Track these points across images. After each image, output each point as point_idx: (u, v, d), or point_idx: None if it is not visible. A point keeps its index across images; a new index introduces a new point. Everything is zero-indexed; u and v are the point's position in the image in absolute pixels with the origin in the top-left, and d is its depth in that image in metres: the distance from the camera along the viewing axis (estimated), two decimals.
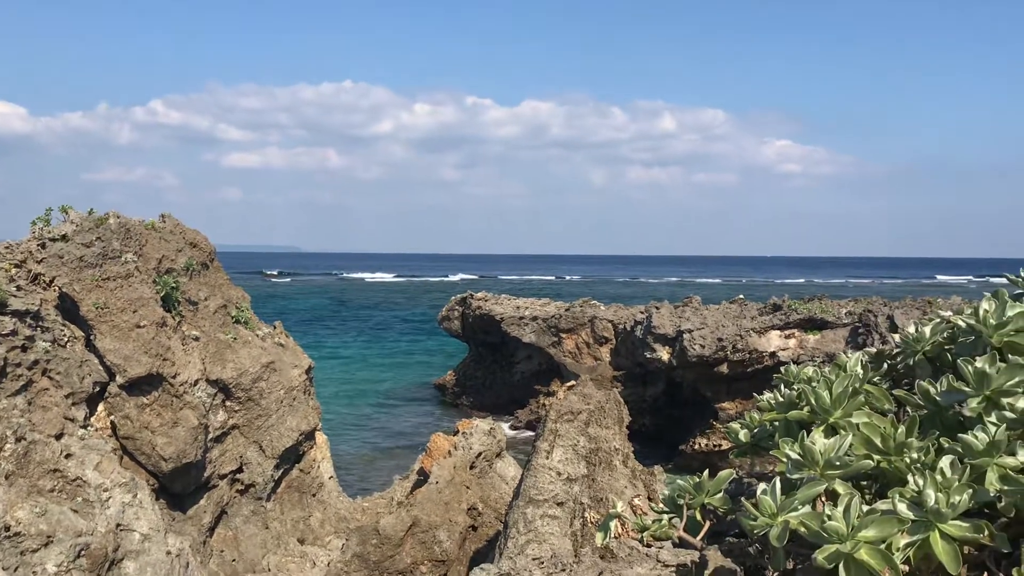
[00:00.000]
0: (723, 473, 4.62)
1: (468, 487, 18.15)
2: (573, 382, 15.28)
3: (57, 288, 14.97)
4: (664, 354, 36.04)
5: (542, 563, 4.16)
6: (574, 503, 12.60)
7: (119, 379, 14.97)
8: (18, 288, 14.12)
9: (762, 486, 3.67)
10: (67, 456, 13.15)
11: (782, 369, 5.39)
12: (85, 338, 14.92)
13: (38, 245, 15.17)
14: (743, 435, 4.97)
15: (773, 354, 33.83)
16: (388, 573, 15.86)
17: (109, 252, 15.41)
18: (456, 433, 21.09)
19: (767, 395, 5.08)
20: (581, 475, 12.88)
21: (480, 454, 19.49)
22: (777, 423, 4.71)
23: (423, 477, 19.46)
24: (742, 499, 3.77)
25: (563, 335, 41.99)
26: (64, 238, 15.27)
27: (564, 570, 4.03)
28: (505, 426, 35.29)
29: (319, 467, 18.58)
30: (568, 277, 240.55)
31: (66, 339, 14.42)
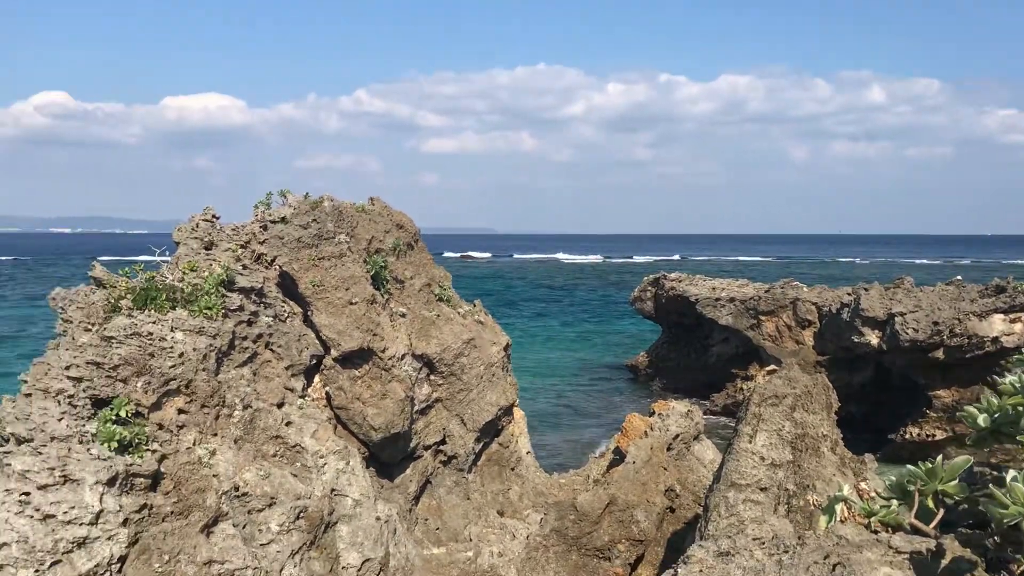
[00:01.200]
0: (959, 459, 4.28)
1: (665, 468, 17.97)
2: (773, 366, 14.77)
3: (278, 267, 16.00)
4: (873, 338, 34.17)
5: (763, 543, 4.01)
6: (778, 489, 12.18)
7: (333, 352, 15.85)
8: (244, 267, 15.21)
9: (1012, 473, 3.36)
10: (287, 424, 14.07)
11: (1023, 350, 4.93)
12: (303, 314, 15.88)
13: (260, 227, 16.25)
14: (982, 420, 4.58)
15: (996, 339, 31.28)
16: (586, 549, 15.99)
17: (324, 233, 16.30)
18: (652, 414, 20.92)
19: (1009, 378, 4.66)
20: (786, 461, 12.44)
21: (677, 436, 19.24)
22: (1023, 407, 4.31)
23: (619, 456, 19.45)
24: (990, 486, 3.47)
25: (762, 317, 40.66)
26: (284, 220, 16.28)
27: (787, 551, 3.85)
28: (699, 410, 34.73)
29: (517, 442, 18.96)
30: (767, 257, 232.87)
31: (286, 314, 15.40)
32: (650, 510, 16.68)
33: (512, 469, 18.66)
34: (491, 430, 18.40)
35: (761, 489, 12.08)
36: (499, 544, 16.58)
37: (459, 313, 18.63)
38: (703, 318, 43.70)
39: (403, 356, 16.86)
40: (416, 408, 17.12)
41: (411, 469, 17.21)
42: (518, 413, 19.35)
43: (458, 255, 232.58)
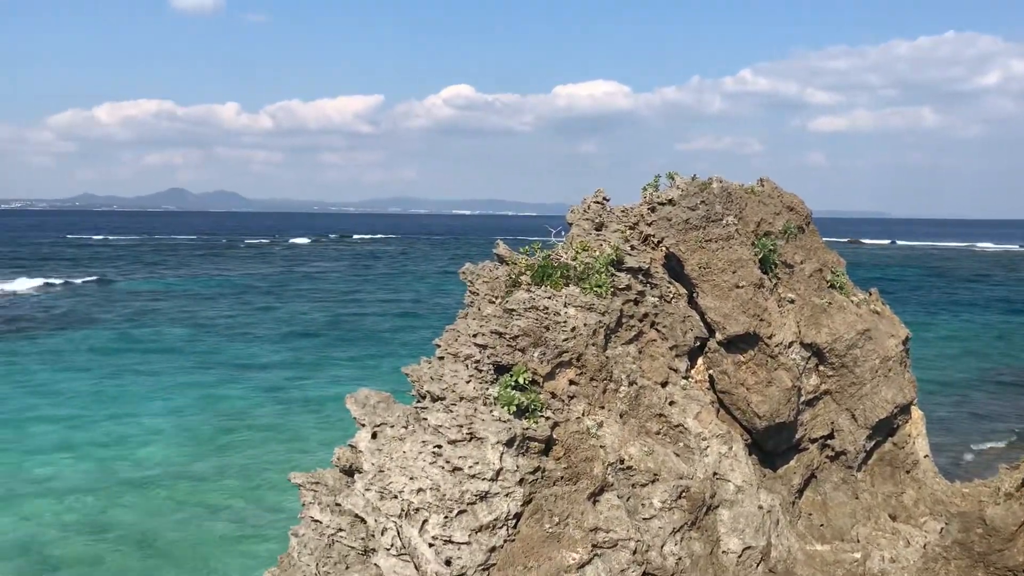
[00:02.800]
0: None
1: None
2: None
3: (664, 248, 16.16)
4: None
5: None
6: None
7: (718, 336, 15.70)
8: (632, 248, 15.56)
9: None
10: (670, 403, 14.21)
11: None
12: (688, 295, 15.91)
13: (648, 209, 16.51)
14: None
15: None
16: (995, 568, 14.34)
17: (712, 215, 16.16)
18: None
19: None
20: None
21: None
22: None
23: None
24: None
25: None
26: (671, 202, 16.38)
27: None
28: None
29: (914, 443, 17.47)
30: None
31: (671, 295, 15.53)
32: None
33: (907, 472, 17.23)
34: (885, 428, 17.12)
35: None
36: (891, 549, 15.41)
37: (852, 302, 17.52)
38: None
39: (790, 344, 16.24)
40: (803, 399, 16.42)
41: (795, 461, 16.57)
42: (916, 413, 17.80)
43: (846, 240, 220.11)
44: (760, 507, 14.06)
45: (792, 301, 16.75)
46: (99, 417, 44.39)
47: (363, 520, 11.96)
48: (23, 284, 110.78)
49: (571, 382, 13.04)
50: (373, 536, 11.72)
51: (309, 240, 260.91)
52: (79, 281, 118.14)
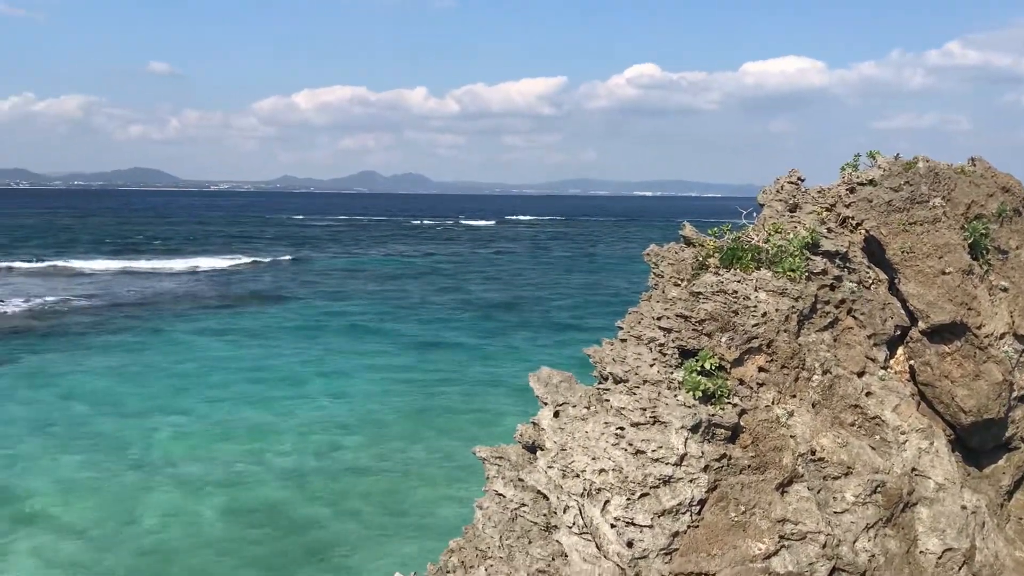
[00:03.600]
0: None
1: None
2: None
3: (863, 231, 15.34)
4: None
5: None
6: None
7: (921, 325, 14.78)
8: (828, 230, 14.86)
9: None
10: (867, 394, 13.51)
11: None
12: (888, 281, 15.05)
13: (847, 190, 15.71)
14: None
15: None
16: None
17: (916, 197, 15.20)
18: None
19: None
20: None
21: None
22: None
23: None
24: None
25: None
26: (872, 183, 15.53)
27: None
28: None
29: None
30: None
31: (870, 281, 14.74)
32: None
33: None
34: None
35: None
36: None
37: None
38: None
39: (1003, 335, 15.06)
40: (1014, 395, 15.22)
41: (1004, 460, 15.39)
42: None
43: None
44: (964, 507, 13.16)
45: (1006, 289, 15.53)
46: (312, 389, 47.31)
47: (545, 497, 12.10)
48: (228, 261, 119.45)
49: (760, 369, 12.63)
50: (555, 513, 11.84)
51: (492, 222, 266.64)
52: (286, 258, 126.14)
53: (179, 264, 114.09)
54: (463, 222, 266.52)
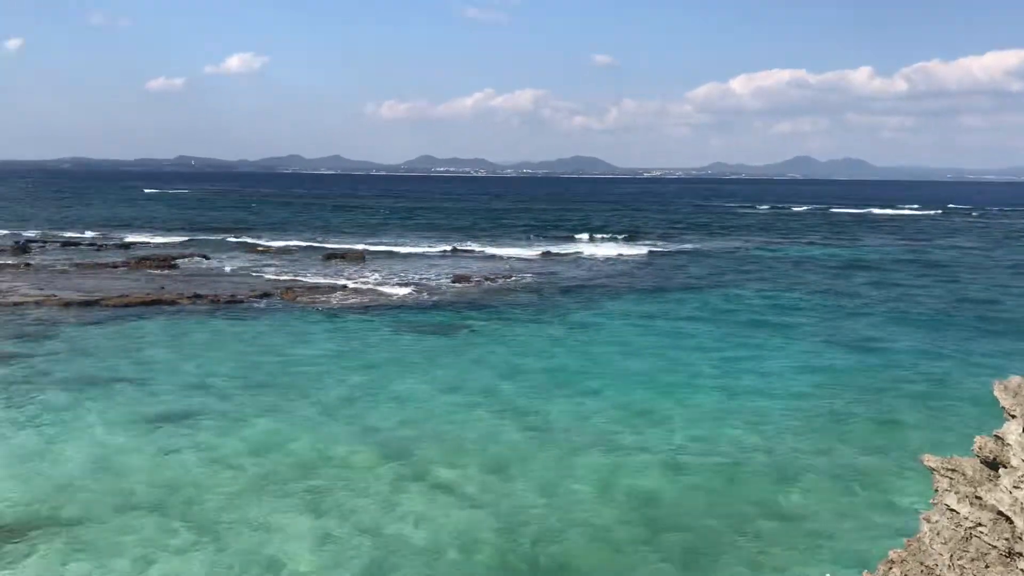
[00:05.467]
0: None
1: None
2: None
3: None
4: None
5: None
6: None
7: None
8: None
9: None
10: None
11: None
12: None
13: None
14: None
15: None
16: None
17: None
18: None
19: None
20: None
21: None
22: None
23: None
24: None
25: None
26: None
27: None
28: None
29: None
30: None
31: None
32: None
33: None
34: None
35: None
36: None
37: None
38: None
39: None
40: None
41: None
42: None
43: None
44: None
45: None
46: (738, 374, 47.58)
47: (1008, 520, 11.02)
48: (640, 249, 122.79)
49: None
50: (1020, 539, 10.75)
51: (937, 212, 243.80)
52: (715, 245, 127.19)
53: (627, 250, 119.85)
54: (904, 211, 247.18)
